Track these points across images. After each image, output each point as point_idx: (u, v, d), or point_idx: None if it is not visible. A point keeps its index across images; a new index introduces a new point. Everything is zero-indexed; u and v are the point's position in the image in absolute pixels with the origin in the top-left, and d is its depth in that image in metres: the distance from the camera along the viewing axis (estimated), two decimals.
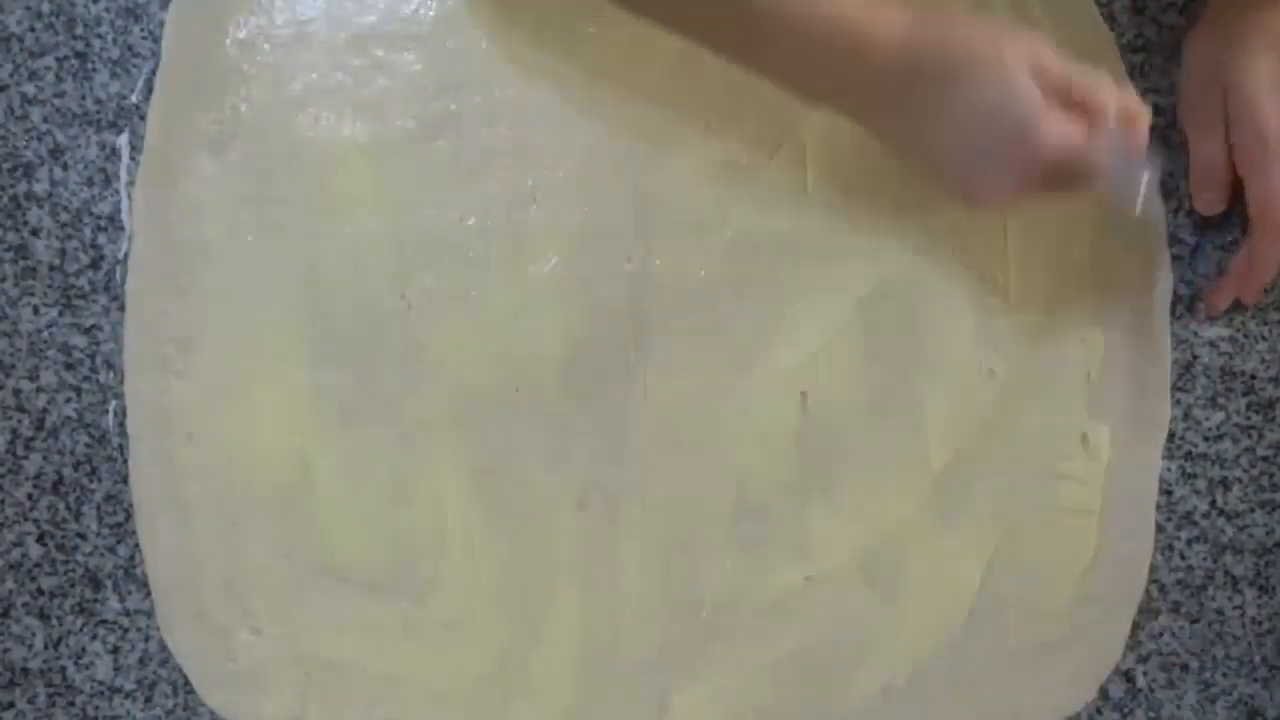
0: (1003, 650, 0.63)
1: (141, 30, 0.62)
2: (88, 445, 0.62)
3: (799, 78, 0.59)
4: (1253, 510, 0.65)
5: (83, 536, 0.62)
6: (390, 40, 0.63)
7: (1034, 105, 0.54)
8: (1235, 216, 0.65)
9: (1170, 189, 0.65)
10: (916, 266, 0.63)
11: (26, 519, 0.62)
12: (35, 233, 0.62)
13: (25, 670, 0.62)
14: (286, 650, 0.61)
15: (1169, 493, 0.65)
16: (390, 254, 0.62)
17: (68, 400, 0.62)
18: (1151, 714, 0.64)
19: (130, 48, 0.62)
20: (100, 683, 0.62)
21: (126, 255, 0.62)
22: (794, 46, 0.56)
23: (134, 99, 0.62)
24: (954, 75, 0.55)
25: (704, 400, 0.63)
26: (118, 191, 0.62)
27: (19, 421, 0.62)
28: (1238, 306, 0.65)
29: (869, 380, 0.63)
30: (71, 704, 0.62)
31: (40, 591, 0.62)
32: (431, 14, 0.63)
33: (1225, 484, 0.65)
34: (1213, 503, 0.65)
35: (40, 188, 0.62)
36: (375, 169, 0.62)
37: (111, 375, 0.62)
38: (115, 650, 0.62)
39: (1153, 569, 0.64)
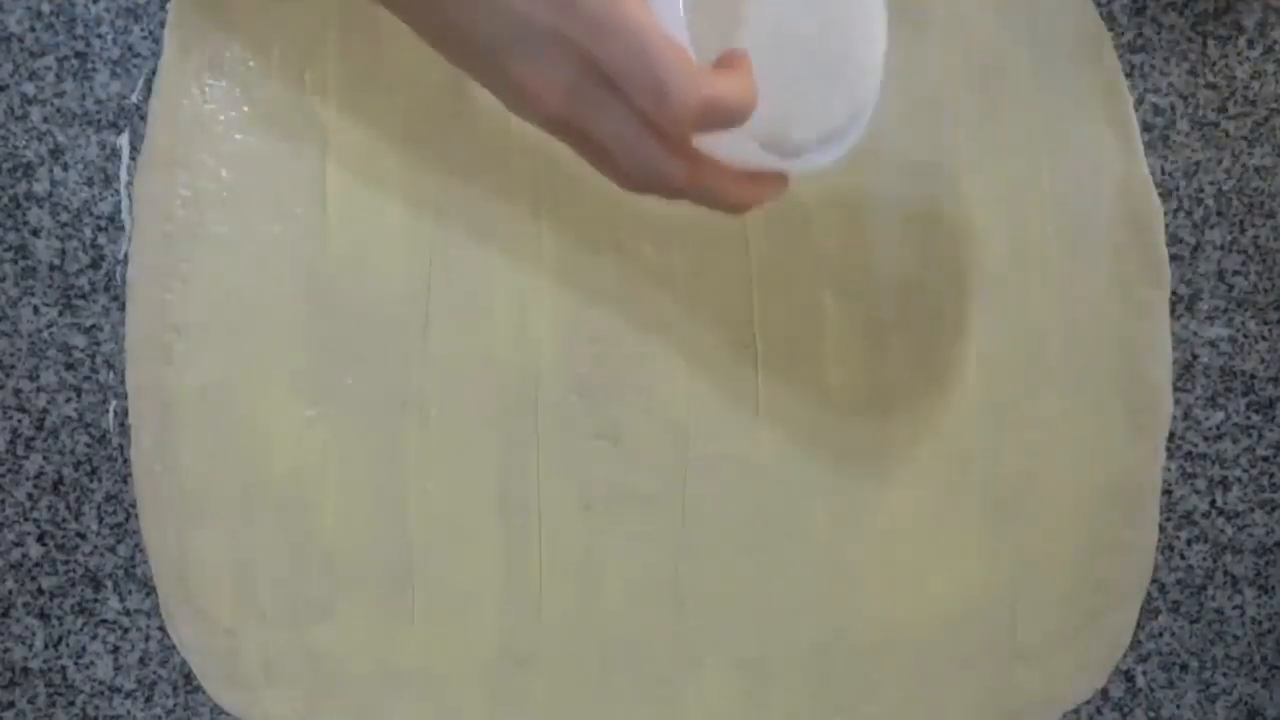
0: (1010, 640, 0.63)
1: (141, 30, 0.62)
2: (88, 445, 0.62)
3: None
4: (1253, 510, 0.65)
5: (83, 536, 0.62)
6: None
7: None
8: (1236, 216, 0.65)
9: (1170, 189, 0.65)
10: (919, 261, 0.63)
11: (26, 519, 0.62)
12: (35, 233, 0.62)
13: (25, 670, 0.62)
14: (292, 646, 0.61)
15: (1169, 492, 0.65)
16: (394, 244, 0.62)
17: (68, 400, 0.62)
18: (1151, 714, 0.64)
19: (130, 48, 0.62)
20: (100, 683, 0.62)
21: (127, 255, 0.62)
22: None
23: (134, 99, 0.62)
24: None
25: (712, 405, 0.63)
26: (118, 191, 0.62)
27: (19, 421, 0.62)
28: (1238, 306, 0.65)
29: (870, 376, 0.63)
30: (71, 704, 0.62)
31: (40, 591, 0.62)
32: None
33: (1225, 484, 0.65)
34: (1213, 503, 0.65)
35: (40, 188, 0.62)
36: (380, 158, 0.62)
37: (111, 375, 0.62)
38: (115, 650, 0.62)
39: (1153, 568, 0.64)
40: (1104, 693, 0.64)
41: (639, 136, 0.44)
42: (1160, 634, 0.65)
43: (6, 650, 0.62)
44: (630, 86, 0.43)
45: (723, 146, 0.46)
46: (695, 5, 0.44)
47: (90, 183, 0.62)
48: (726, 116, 0.43)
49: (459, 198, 0.62)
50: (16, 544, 0.62)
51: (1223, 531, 0.65)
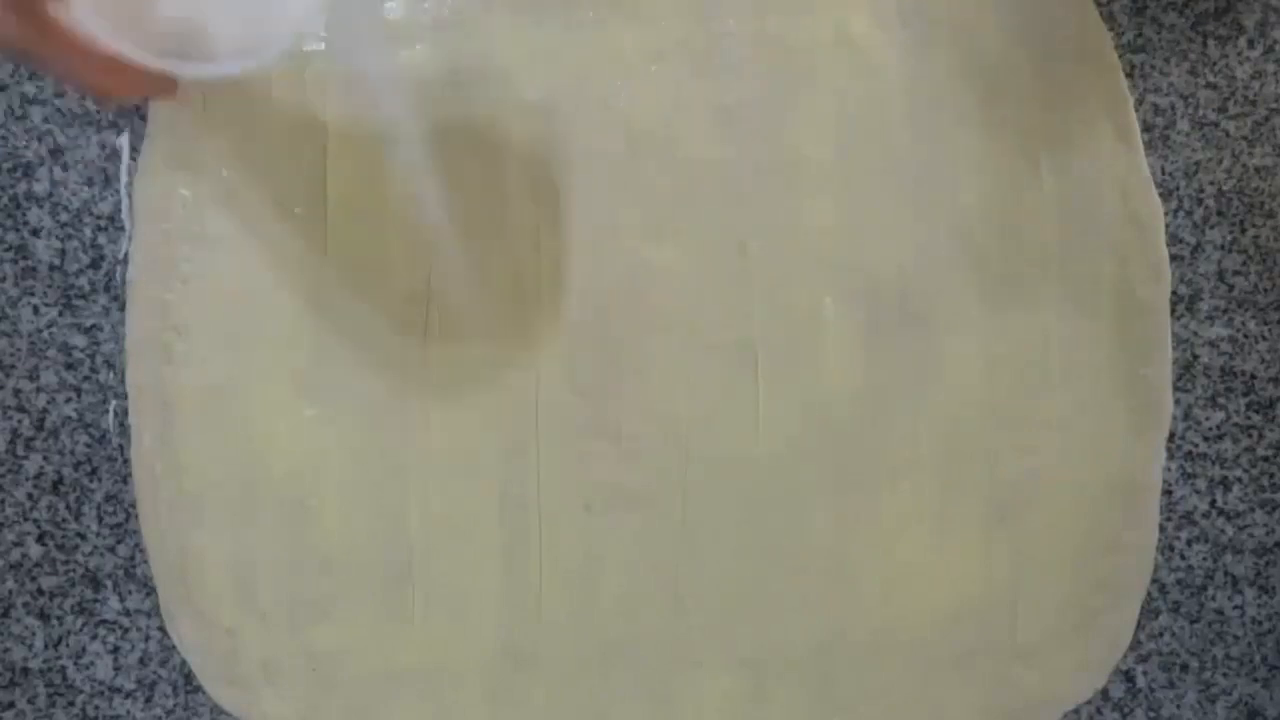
0: (1010, 640, 0.63)
1: None
2: (88, 445, 0.62)
3: None
4: (1253, 510, 0.65)
5: (83, 536, 0.62)
6: (402, 33, 0.63)
7: None
8: (1236, 216, 0.65)
9: (1170, 189, 0.65)
10: (919, 262, 0.63)
11: (26, 519, 0.62)
12: (35, 233, 0.62)
13: (25, 670, 0.62)
14: (292, 646, 0.61)
15: (1169, 493, 0.65)
16: (394, 244, 0.62)
17: (68, 400, 0.62)
18: (1151, 714, 0.64)
19: None
20: (100, 683, 0.62)
21: (127, 255, 0.62)
22: None
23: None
24: None
25: (712, 405, 0.63)
26: (118, 191, 0.62)
27: (19, 421, 0.62)
28: (1238, 306, 0.65)
29: (870, 376, 0.63)
30: (71, 704, 0.62)
31: (40, 591, 0.62)
32: (446, 11, 0.63)
33: (1225, 484, 0.65)
34: (1213, 503, 0.65)
35: (40, 188, 0.62)
36: (380, 158, 0.62)
37: (111, 375, 0.62)
38: (115, 650, 0.62)
39: (1153, 568, 0.64)
40: (1104, 693, 0.64)
41: None
42: (1160, 634, 0.65)
43: (6, 650, 0.62)
44: None
45: (96, 30, 0.47)
46: None
47: (90, 183, 0.62)
48: None
49: (458, 198, 0.62)
50: (16, 544, 0.62)
51: (1223, 531, 0.65)
